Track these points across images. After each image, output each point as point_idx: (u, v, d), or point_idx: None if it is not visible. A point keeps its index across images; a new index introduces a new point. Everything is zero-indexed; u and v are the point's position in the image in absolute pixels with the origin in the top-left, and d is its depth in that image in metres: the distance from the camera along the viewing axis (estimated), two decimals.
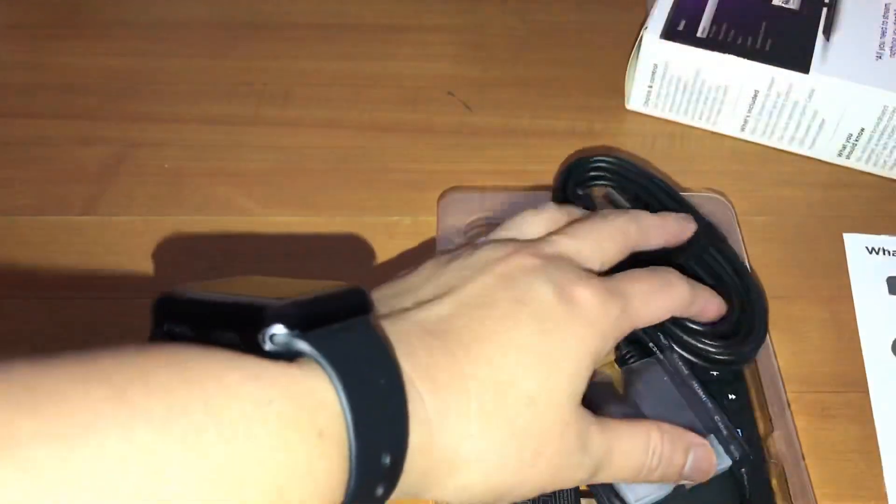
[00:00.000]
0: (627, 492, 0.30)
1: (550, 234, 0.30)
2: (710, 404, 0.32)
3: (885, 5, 0.46)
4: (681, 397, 0.32)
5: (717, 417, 0.32)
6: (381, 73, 0.49)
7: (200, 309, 0.22)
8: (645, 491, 0.30)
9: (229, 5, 0.53)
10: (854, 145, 0.44)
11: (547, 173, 0.43)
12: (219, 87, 0.48)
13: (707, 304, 0.32)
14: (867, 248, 0.41)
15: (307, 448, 0.20)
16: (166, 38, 0.51)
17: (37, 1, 0.53)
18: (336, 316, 0.22)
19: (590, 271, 0.29)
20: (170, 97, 0.48)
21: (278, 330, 0.20)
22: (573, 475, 0.26)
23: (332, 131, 0.46)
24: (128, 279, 0.39)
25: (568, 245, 0.29)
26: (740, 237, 0.40)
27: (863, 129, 0.43)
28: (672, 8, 0.45)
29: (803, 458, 0.33)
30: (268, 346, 0.20)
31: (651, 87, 0.45)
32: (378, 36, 0.51)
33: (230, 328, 0.21)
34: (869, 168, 0.44)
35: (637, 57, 0.45)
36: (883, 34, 0.44)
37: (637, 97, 0.46)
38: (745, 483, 0.32)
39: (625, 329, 0.28)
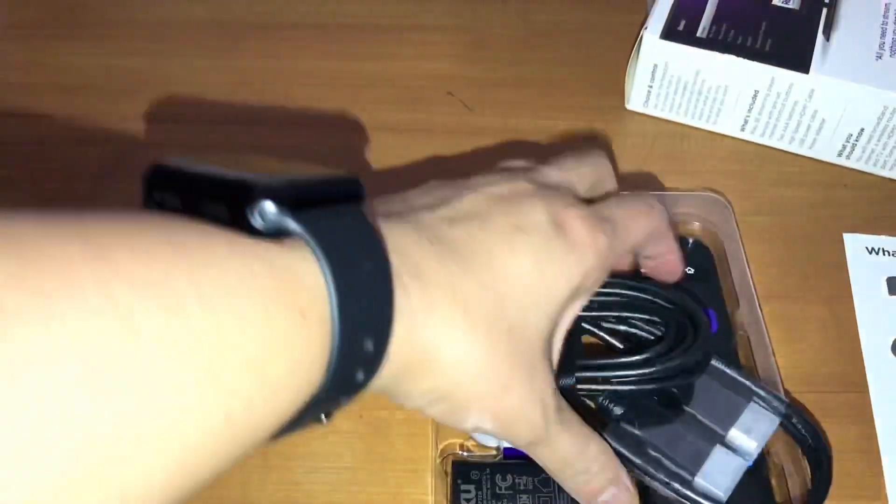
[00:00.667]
0: (711, 486, 0.29)
1: (538, 164, 0.30)
2: (737, 375, 0.32)
3: (885, 5, 0.46)
4: (710, 378, 0.32)
5: (748, 383, 0.32)
6: (381, 73, 0.49)
7: (191, 180, 0.21)
8: (724, 480, 0.30)
9: (229, 5, 0.53)
10: (854, 145, 0.44)
11: None
12: (219, 87, 0.48)
13: (669, 256, 0.33)
14: (867, 248, 0.41)
15: (289, 325, 0.19)
16: (166, 38, 0.51)
17: (37, 1, 0.53)
18: (329, 200, 0.22)
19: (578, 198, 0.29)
20: (170, 97, 0.48)
21: (269, 207, 0.20)
22: (521, 431, 0.26)
23: (332, 131, 0.46)
24: None
25: (557, 175, 0.30)
26: (739, 237, 0.40)
27: (863, 129, 0.43)
28: (672, 8, 0.45)
29: (803, 459, 0.33)
30: (257, 223, 0.20)
31: (651, 87, 0.45)
32: (378, 36, 0.51)
33: (220, 202, 0.20)
34: (869, 168, 0.44)
35: (637, 57, 0.45)
36: (883, 34, 0.44)
37: (637, 97, 0.46)
38: (802, 431, 0.32)
39: (610, 260, 0.28)
